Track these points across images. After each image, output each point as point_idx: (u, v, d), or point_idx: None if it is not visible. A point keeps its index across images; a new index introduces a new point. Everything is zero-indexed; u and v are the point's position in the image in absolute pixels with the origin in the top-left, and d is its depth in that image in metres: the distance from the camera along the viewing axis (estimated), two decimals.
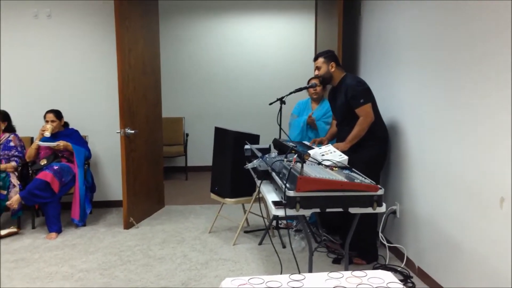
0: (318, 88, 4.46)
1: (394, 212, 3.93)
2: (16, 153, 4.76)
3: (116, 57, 4.56)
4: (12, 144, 4.76)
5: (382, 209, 2.67)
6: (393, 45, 3.94)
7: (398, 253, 3.86)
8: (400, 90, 3.82)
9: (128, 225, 4.72)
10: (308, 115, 4.49)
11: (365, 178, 2.77)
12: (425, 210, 3.42)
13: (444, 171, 3.12)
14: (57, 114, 4.86)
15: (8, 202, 4.47)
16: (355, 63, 4.94)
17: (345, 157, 3.14)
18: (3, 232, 4.48)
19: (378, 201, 2.63)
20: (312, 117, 4.45)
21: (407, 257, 3.69)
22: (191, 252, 4.09)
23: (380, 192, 2.62)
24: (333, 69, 3.75)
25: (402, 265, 3.68)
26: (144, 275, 3.64)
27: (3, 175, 4.58)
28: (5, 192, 4.54)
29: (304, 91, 4.41)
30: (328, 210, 2.66)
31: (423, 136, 3.41)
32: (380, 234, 3.90)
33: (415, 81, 3.53)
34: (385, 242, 3.84)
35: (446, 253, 3.11)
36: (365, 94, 3.67)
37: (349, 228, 2.98)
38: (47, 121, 4.79)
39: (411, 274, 3.55)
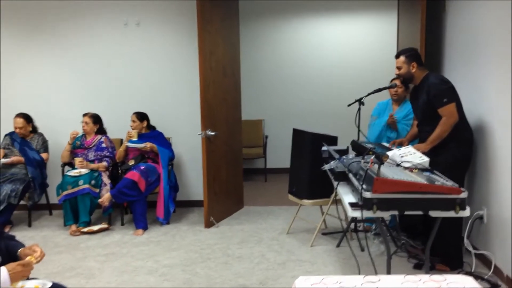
0: (400, 90, 4.31)
1: (481, 217, 3.72)
2: (108, 153, 5.08)
3: (197, 60, 4.72)
4: (104, 145, 5.09)
5: (466, 213, 2.55)
6: (483, 43, 3.72)
7: (485, 261, 3.65)
8: (488, 89, 3.61)
9: (208, 224, 4.87)
10: (388, 115, 4.37)
11: (447, 181, 2.66)
12: None
13: None
14: (140, 115, 5.15)
15: (100, 200, 4.80)
16: (439, 61, 4.74)
17: (426, 159, 3.04)
18: (96, 227, 4.80)
19: (461, 204, 2.52)
20: (393, 117, 4.32)
21: (495, 265, 3.48)
22: (269, 252, 4.14)
23: (464, 195, 2.51)
24: (414, 69, 3.63)
25: (490, 273, 3.48)
26: (223, 272, 3.74)
27: (96, 174, 4.92)
28: (97, 190, 4.87)
29: (386, 92, 4.30)
30: (406, 213, 2.59)
31: None
32: (465, 240, 3.71)
33: (506, 80, 3.31)
34: (470, 249, 3.65)
35: None
36: (449, 93, 3.51)
37: (431, 233, 2.87)
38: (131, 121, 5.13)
39: (499, 283, 3.35)
